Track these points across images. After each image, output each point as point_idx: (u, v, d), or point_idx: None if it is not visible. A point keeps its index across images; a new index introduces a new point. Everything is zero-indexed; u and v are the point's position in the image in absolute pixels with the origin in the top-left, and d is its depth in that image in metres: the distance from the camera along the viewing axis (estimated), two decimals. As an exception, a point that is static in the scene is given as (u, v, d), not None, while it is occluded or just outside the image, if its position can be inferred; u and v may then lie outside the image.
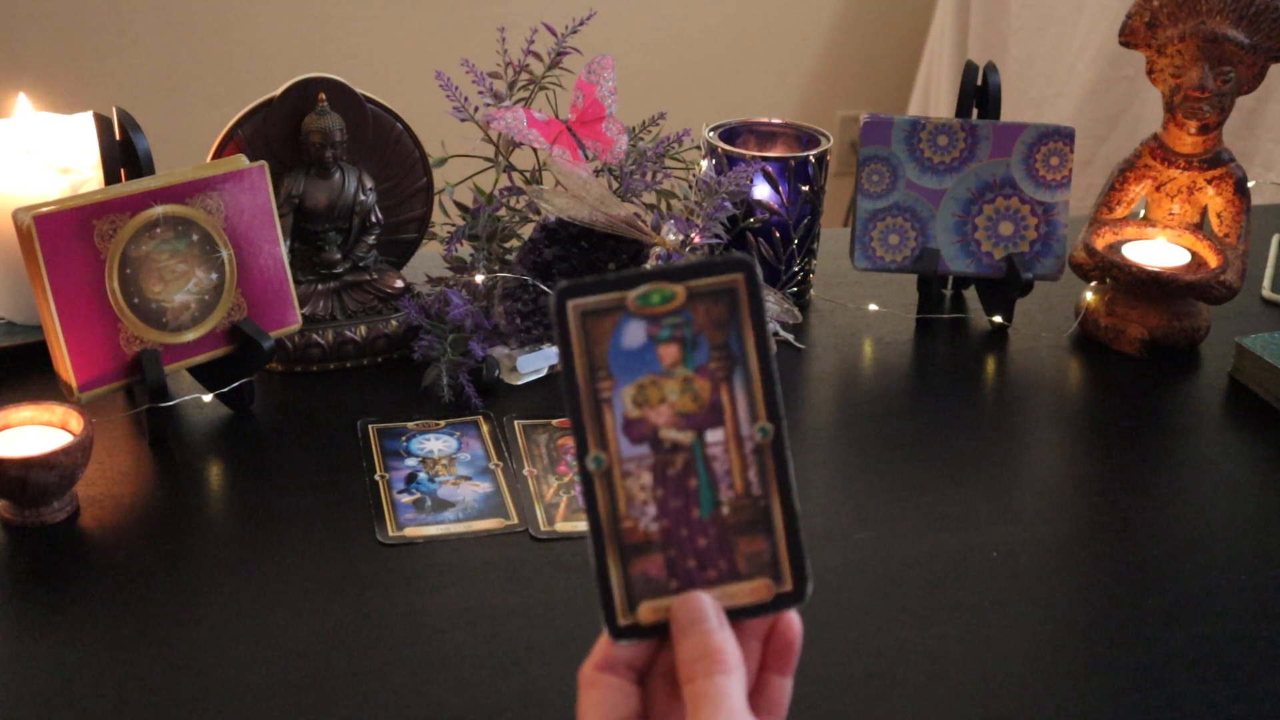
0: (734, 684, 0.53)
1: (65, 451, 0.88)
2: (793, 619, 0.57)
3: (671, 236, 1.10)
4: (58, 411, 0.93)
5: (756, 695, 0.57)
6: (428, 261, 1.24)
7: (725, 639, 0.54)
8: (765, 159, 1.20)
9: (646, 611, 0.56)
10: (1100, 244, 1.20)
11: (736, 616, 0.56)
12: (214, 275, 1.01)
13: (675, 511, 0.56)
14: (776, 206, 1.21)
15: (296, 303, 1.06)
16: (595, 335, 0.55)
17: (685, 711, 0.53)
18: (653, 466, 0.56)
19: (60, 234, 0.93)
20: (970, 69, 1.25)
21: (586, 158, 1.13)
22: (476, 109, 1.13)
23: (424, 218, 1.18)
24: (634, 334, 0.56)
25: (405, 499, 0.95)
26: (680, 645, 0.54)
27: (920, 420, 1.09)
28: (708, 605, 0.55)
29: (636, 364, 0.56)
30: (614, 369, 0.56)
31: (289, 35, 2.59)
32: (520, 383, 1.10)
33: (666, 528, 0.56)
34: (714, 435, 0.56)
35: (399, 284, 1.14)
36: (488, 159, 1.16)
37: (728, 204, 1.15)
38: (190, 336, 1.01)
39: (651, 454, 0.56)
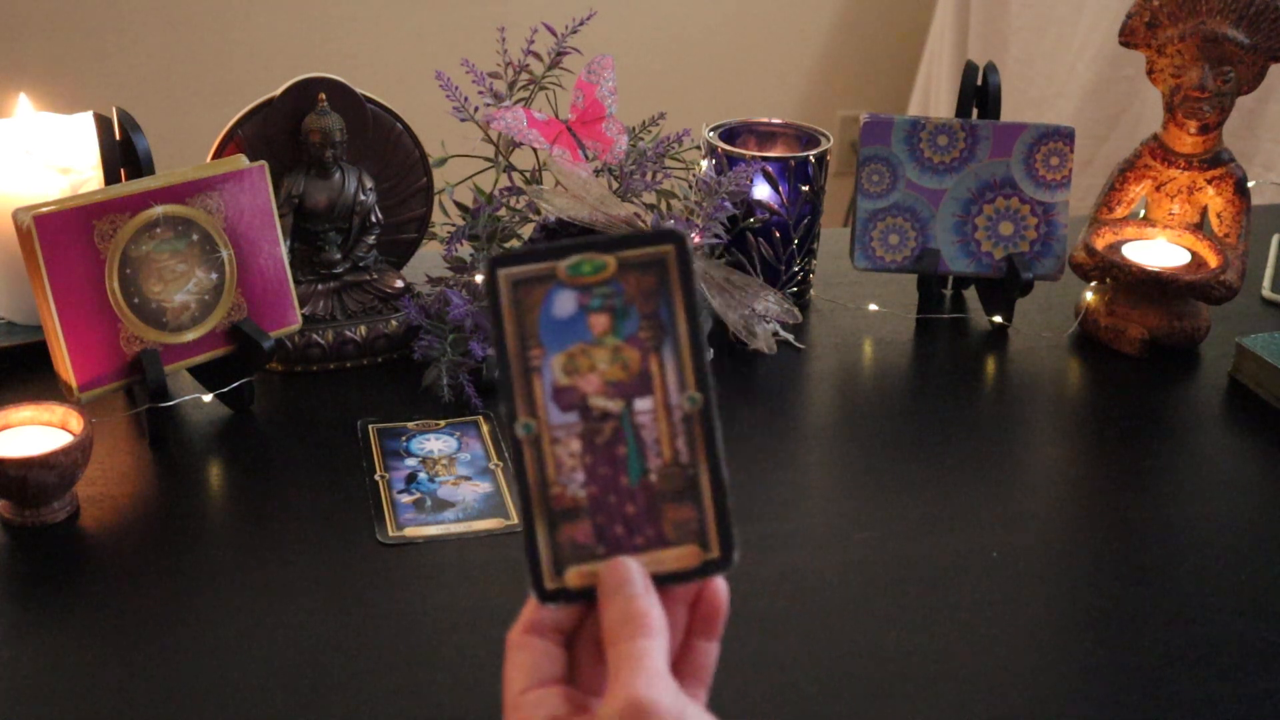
0: (656, 647, 0.54)
1: (65, 451, 0.88)
2: (719, 585, 0.58)
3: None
4: (58, 411, 0.93)
5: (682, 660, 0.58)
6: (428, 261, 1.24)
7: (650, 604, 0.55)
8: (765, 159, 1.20)
9: (574, 576, 0.57)
10: (1100, 244, 1.20)
11: (663, 582, 0.57)
12: (214, 275, 1.01)
13: (603, 478, 0.57)
14: (776, 206, 1.21)
15: (296, 303, 1.06)
16: (526, 304, 0.56)
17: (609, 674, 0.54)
18: (581, 434, 0.57)
19: (60, 234, 0.93)
20: (970, 69, 1.25)
21: (586, 158, 1.13)
22: (476, 109, 1.13)
23: (424, 218, 1.18)
24: (565, 303, 0.57)
25: (405, 499, 0.95)
26: (605, 609, 0.56)
27: (920, 420, 1.09)
28: (634, 570, 0.56)
29: (567, 333, 0.57)
30: (544, 338, 0.56)
31: (289, 35, 2.59)
32: (520, 383, 1.10)
33: (594, 494, 0.57)
34: (643, 404, 0.57)
35: (399, 284, 1.14)
36: (488, 159, 1.16)
37: (728, 204, 1.15)
38: (190, 336, 1.01)
39: (580, 421, 0.57)
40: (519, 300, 0.56)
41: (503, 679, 0.57)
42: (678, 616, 0.58)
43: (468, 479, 0.98)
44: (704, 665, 0.58)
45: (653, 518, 0.57)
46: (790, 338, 1.19)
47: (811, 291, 1.28)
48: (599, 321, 0.57)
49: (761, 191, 1.20)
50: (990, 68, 1.24)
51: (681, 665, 0.58)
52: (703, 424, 0.57)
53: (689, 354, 0.57)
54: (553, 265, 0.56)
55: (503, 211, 1.14)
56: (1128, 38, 1.17)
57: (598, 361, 0.57)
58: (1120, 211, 1.23)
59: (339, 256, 1.12)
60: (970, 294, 1.30)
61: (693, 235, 1.13)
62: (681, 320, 0.57)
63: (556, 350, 0.56)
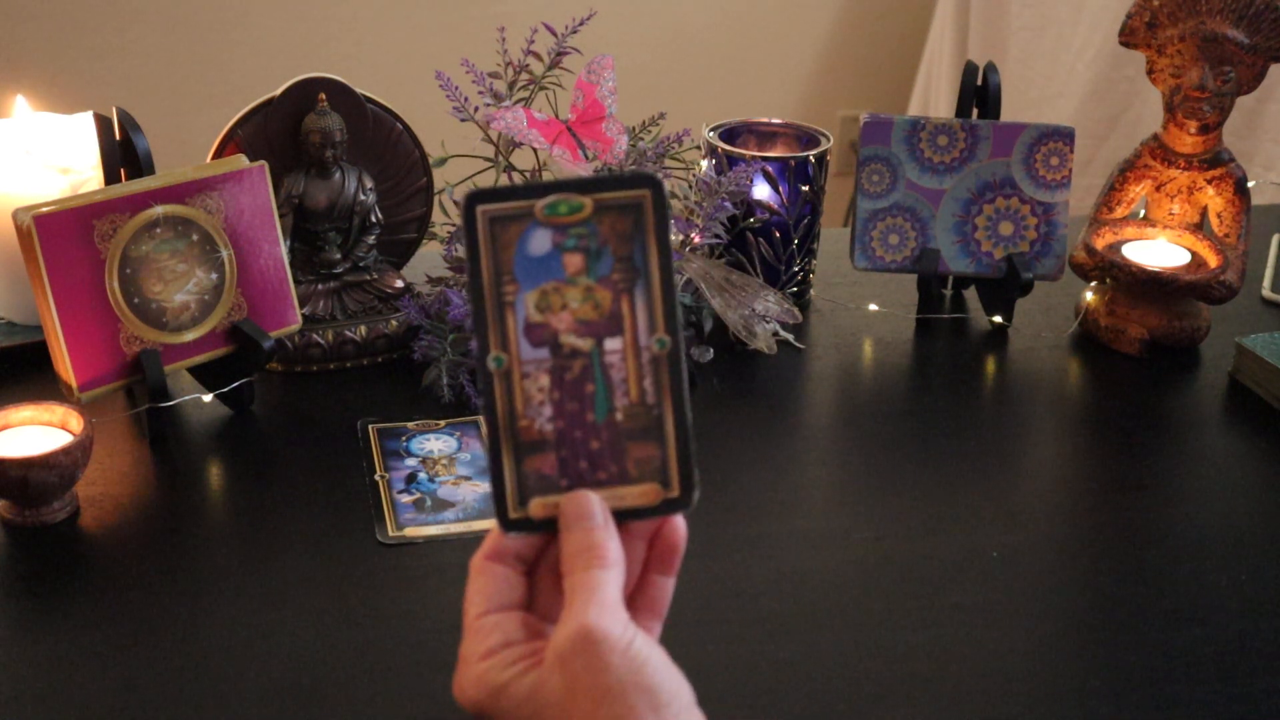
0: (610, 578, 0.56)
1: (65, 451, 0.88)
2: (678, 523, 0.60)
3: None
4: (58, 411, 0.93)
5: (639, 593, 0.60)
6: (428, 261, 1.24)
7: (607, 536, 0.58)
8: (765, 159, 1.20)
9: (537, 507, 0.59)
10: (1100, 244, 1.20)
11: (623, 518, 0.59)
12: (214, 275, 1.01)
13: (570, 414, 0.59)
14: (776, 206, 1.21)
15: (296, 303, 1.06)
16: (502, 241, 0.58)
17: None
18: (551, 370, 0.59)
19: (60, 234, 0.93)
20: (970, 69, 1.25)
21: (586, 158, 1.13)
22: (476, 109, 1.13)
23: (424, 218, 1.18)
24: (540, 242, 0.58)
25: (405, 499, 0.95)
26: (565, 539, 0.58)
27: (920, 420, 1.09)
28: (595, 503, 0.58)
29: (541, 271, 0.58)
30: (519, 274, 0.58)
31: (289, 35, 2.59)
32: (520, 383, 1.10)
33: (561, 429, 0.59)
34: (612, 344, 0.59)
35: (399, 284, 1.14)
36: (488, 159, 1.16)
37: (728, 204, 1.15)
38: (190, 336, 1.01)
39: (551, 358, 0.59)
40: (495, 236, 0.58)
41: (464, 602, 0.59)
42: (636, 551, 0.60)
43: (468, 479, 0.98)
44: (659, 599, 0.61)
45: (616, 454, 0.59)
46: (790, 338, 1.19)
47: (811, 291, 1.28)
48: (573, 261, 0.58)
49: (761, 191, 1.20)
50: (990, 68, 1.24)
51: (637, 598, 0.60)
52: (670, 366, 0.59)
53: (660, 297, 0.59)
54: (530, 204, 0.58)
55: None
56: (1128, 38, 1.17)
57: (570, 300, 0.58)
58: (1120, 211, 1.23)
59: (339, 256, 1.12)
60: (970, 294, 1.30)
61: (692, 235, 1.13)
62: (654, 264, 0.59)
63: (530, 287, 0.58)
